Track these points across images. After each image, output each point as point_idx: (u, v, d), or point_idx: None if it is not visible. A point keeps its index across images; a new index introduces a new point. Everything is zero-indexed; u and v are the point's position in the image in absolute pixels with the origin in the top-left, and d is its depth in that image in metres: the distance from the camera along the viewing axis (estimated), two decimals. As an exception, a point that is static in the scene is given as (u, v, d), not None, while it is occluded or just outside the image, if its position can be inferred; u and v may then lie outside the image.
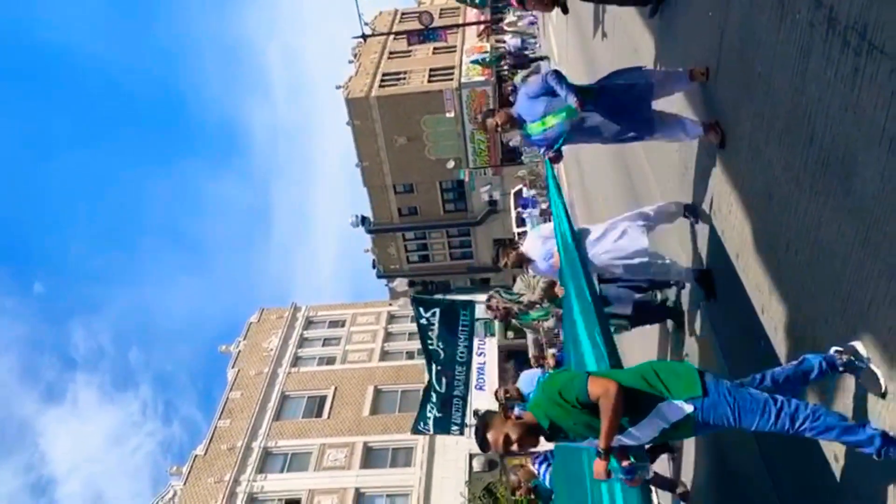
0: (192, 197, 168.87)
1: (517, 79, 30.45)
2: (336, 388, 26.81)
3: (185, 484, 24.08)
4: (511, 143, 35.19)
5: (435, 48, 37.08)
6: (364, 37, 28.62)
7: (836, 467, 3.46)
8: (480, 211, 39.47)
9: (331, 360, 29.09)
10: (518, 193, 32.92)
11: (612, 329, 5.47)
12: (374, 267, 43.25)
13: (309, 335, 30.70)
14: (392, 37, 36.81)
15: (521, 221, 32.25)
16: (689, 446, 6.74)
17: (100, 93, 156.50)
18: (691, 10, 5.45)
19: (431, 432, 9.24)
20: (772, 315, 4.16)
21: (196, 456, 24.77)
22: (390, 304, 32.11)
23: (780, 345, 4.08)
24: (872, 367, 2.99)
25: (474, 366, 8.45)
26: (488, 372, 23.83)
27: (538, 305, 6.88)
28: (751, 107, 4.15)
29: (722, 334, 5.47)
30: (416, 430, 9.52)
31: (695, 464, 6.61)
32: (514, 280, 7.42)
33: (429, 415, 8.57)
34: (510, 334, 28.16)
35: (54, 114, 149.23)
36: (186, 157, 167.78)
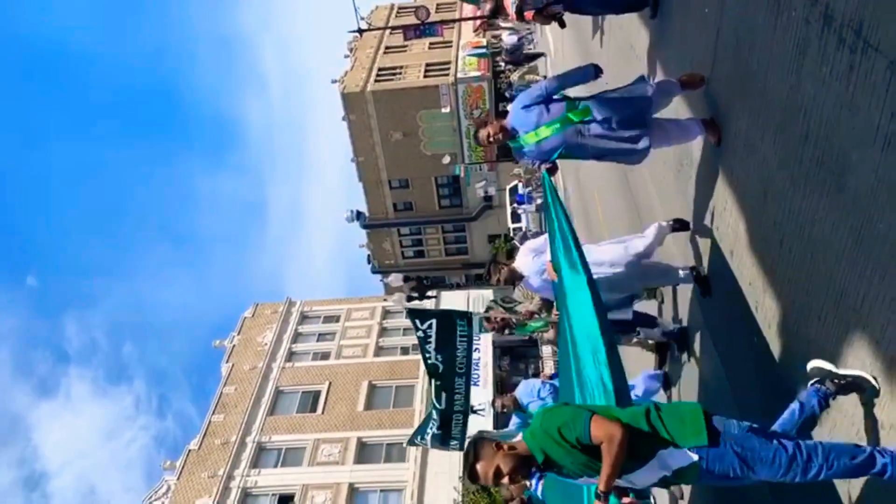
0: (187, 191, 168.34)
1: (514, 76, 30.45)
2: (330, 384, 26.80)
3: (178, 478, 24.05)
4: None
5: (431, 43, 37.02)
6: (360, 31, 28.51)
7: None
8: (476, 207, 39.48)
9: (325, 356, 29.07)
10: (514, 189, 32.96)
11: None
12: (368, 262, 43.25)
13: (303, 330, 30.66)
14: (388, 31, 36.71)
15: (516, 217, 32.31)
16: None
17: (93, 85, 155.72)
18: (687, 7, 5.45)
19: (428, 446, 9.02)
20: (766, 311, 4.18)
21: (190, 450, 24.73)
22: (385, 300, 32.07)
23: (773, 341, 4.10)
24: (856, 372, 3.00)
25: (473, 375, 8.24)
26: (483, 367, 23.88)
27: (536, 315, 6.76)
28: (746, 104, 4.15)
29: (716, 331, 5.49)
30: (411, 443, 9.36)
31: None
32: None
33: (428, 431, 8.39)
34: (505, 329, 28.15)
35: (48, 106, 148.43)
36: (181, 151, 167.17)
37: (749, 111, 4.11)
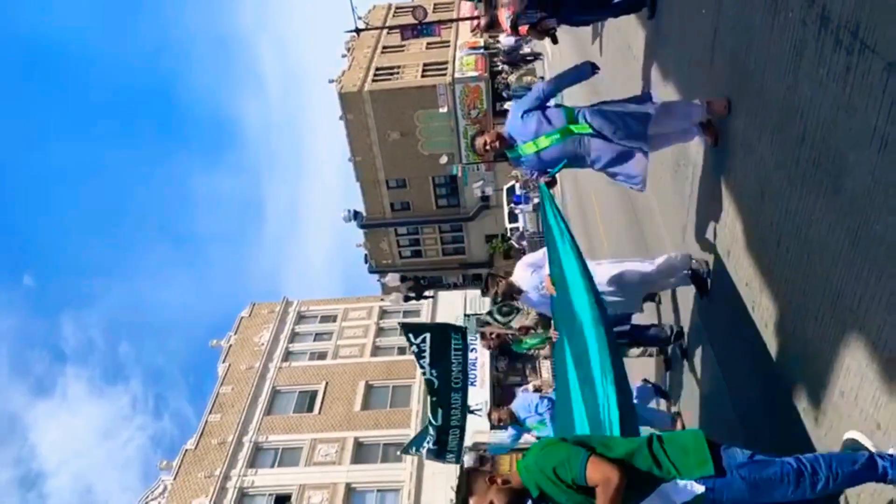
0: (184, 190, 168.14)
1: (511, 78, 30.47)
2: (327, 384, 26.77)
3: (175, 478, 24.00)
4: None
5: (429, 43, 37.00)
6: (357, 31, 28.47)
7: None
8: (473, 206, 39.48)
9: (322, 355, 29.03)
10: (511, 190, 32.96)
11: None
12: (366, 262, 43.23)
13: (300, 330, 30.61)
14: (385, 31, 36.68)
15: (513, 217, 32.33)
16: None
17: (90, 85, 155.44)
18: (685, 8, 5.45)
19: (423, 458, 8.96)
20: (762, 312, 4.18)
21: (186, 450, 24.69)
22: (382, 300, 32.05)
23: (770, 341, 4.11)
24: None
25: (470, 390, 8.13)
26: (480, 368, 23.87)
27: (533, 331, 6.69)
28: (743, 104, 4.16)
29: (713, 332, 5.50)
30: (405, 452, 9.31)
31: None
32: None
33: (424, 444, 8.35)
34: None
35: (45, 106, 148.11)
36: (178, 150, 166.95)
37: (746, 111, 4.12)
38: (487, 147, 4.82)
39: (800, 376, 3.73)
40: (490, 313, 7.03)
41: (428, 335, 7.48)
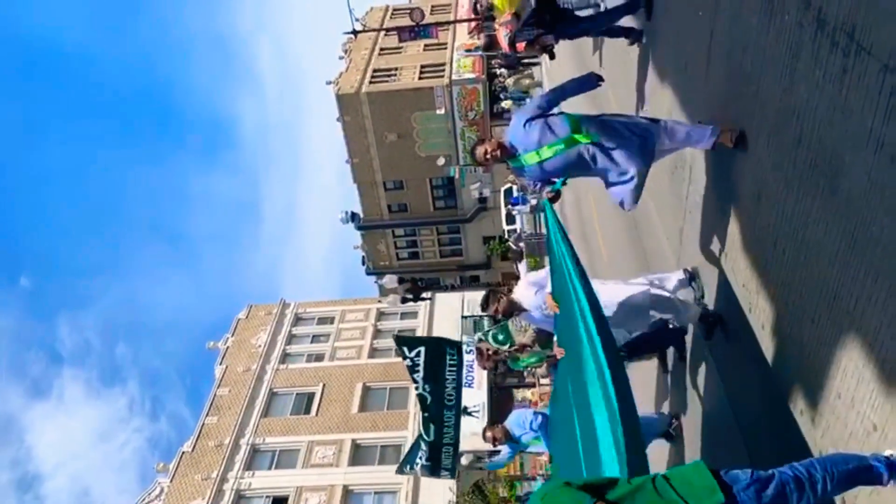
0: (181, 191, 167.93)
1: (509, 81, 30.48)
2: (324, 385, 26.75)
3: (171, 481, 23.97)
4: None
5: (426, 45, 37.02)
6: (355, 33, 28.50)
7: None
8: (470, 208, 39.51)
9: (319, 357, 29.01)
10: (508, 191, 32.99)
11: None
12: (363, 263, 43.23)
13: (297, 332, 30.59)
14: (383, 33, 36.70)
15: (510, 219, 32.34)
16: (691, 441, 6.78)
17: (88, 85, 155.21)
18: (681, 10, 5.46)
19: (419, 475, 8.89)
20: (759, 314, 4.19)
21: (183, 453, 24.65)
22: (379, 301, 32.05)
23: (767, 343, 4.11)
24: None
25: (462, 406, 8.04)
26: (477, 370, 23.87)
27: (529, 349, 6.61)
28: (740, 106, 4.16)
29: (711, 333, 5.49)
30: (400, 472, 9.19)
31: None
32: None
33: (417, 461, 8.29)
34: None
35: (41, 106, 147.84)
36: (175, 151, 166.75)
37: (743, 113, 4.12)
38: (488, 156, 4.70)
39: (797, 378, 3.74)
40: (486, 334, 6.94)
41: (423, 349, 7.38)
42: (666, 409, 7.10)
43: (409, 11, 31.35)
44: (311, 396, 26.53)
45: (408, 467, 8.63)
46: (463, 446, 9.10)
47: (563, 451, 4.55)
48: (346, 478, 23.40)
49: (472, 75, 34.60)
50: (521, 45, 6.68)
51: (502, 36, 6.91)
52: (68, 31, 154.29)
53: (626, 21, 6.86)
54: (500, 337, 7.27)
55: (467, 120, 35.13)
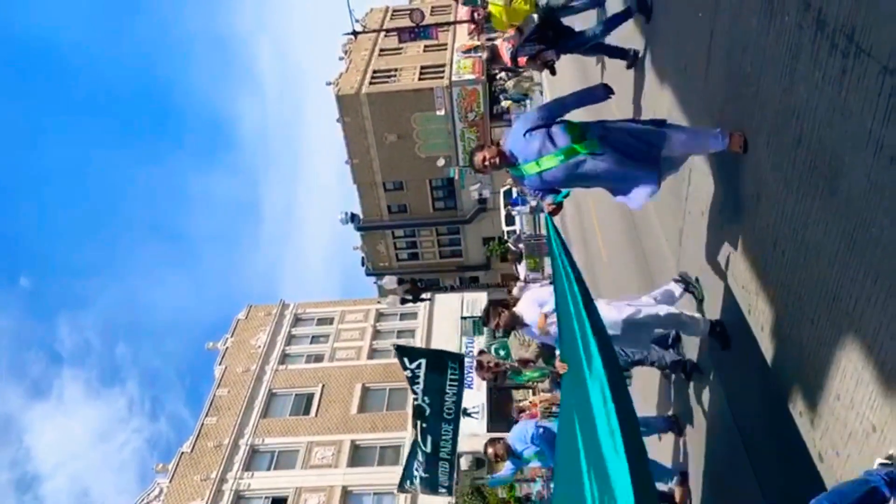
0: (181, 192, 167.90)
1: (509, 84, 30.47)
2: (324, 386, 26.75)
3: (171, 481, 23.96)
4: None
5: (426, 46, 37.05)
6: (355, 34, 28.54)
7: (822, 468, 3.49)
8: (470, 209, 39.52)
9: (319, 358, 29.02)
10: (508, 192, 33.00)
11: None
12: (363, 264, 43.22)
13: (297, 332, 30.60)
14: (383, 34, 36.73)
15: (510, 220, 32.36)
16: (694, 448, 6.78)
17: (87, 85, 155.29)
18: (681, 11, 5.47)
19: (419, 491, 8.76)
20: (758, 315, 4.18)
21: (182, 453, 24.65)
22: (379, 302, 32.05)
23: (766, 345, 4.11)
24: None
25: (462, 420, 7.92)
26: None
27: (532, 364, 6.51)
28: (740, 107, 4.17)
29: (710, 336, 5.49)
30: (402, 489, 8.99)
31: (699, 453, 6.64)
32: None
33: (415, 473, 8.16)
34: (499, 333, 28.13)
35: (40, 106, 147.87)
36: (175, 151, 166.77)
37: (742, 115, 4.12)
38: (486, 163, 4.61)
39: (796, 379, 3.73)
40: (489, 347, 6.89)
41: (423, 361, 7.24)
42: (666, 410, 7.10)
43: (409, 12, 31.38)
44: (310, 397, 26.54)
45: (408, 483, 8.44)
46: (463, 447, 9.09)
47: (567, 470, 4.46)
48: (346, 478, 23.40)
49: (471, 76, 34.63)
50: (522, 60, 6.71)
51: (505, 50, 6.94)
52: (68, 31, 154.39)
53: (623, 37, 6.87)
54: (502, 353, 7.26)
55: (467, 121, 35.16)
